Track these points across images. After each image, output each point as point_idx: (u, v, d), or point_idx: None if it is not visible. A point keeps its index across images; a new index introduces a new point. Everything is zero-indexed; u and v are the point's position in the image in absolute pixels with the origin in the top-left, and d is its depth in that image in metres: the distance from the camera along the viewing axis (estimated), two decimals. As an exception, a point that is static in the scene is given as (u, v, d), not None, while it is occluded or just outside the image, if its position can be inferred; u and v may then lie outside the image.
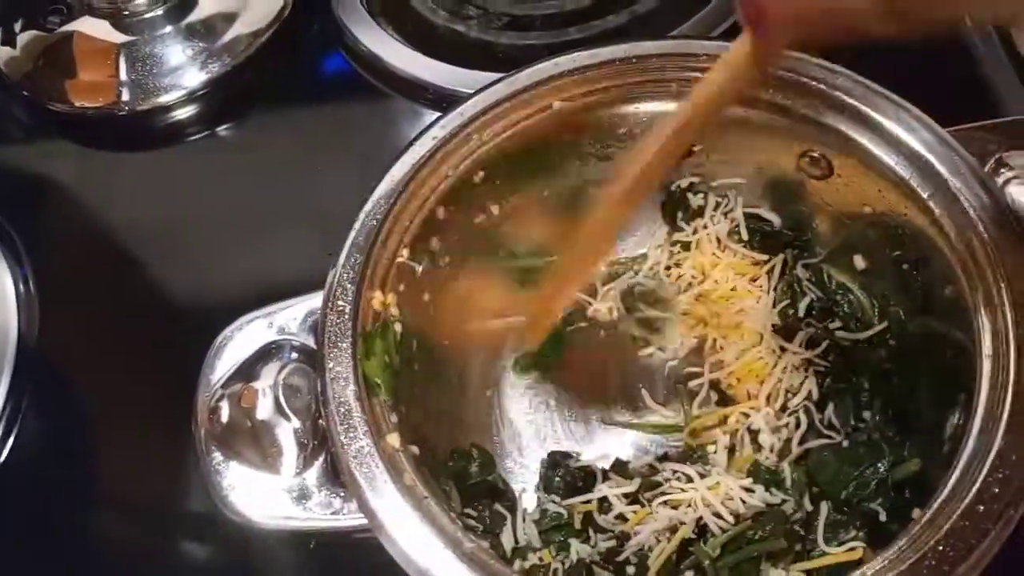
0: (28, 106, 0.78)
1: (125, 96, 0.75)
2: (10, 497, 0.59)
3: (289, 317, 0.51)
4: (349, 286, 0.49)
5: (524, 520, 0.51)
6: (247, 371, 0.49)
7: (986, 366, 0.45)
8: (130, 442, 0.61)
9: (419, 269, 0.53)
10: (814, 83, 0.52)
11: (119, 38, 0.77)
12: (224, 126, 0.76)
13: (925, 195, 0.49)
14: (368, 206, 0.51)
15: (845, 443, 0.52)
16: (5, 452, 0.60)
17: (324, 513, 0.45)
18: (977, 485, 0.41)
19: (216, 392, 0.48)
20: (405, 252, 0.52)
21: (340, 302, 0.48)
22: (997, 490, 0.41)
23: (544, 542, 0.50)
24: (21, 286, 0.67)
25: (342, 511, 0.45)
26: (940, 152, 0.50)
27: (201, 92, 0.75)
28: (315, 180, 0.70)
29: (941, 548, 0.40)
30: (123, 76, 0.76)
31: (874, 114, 0.51)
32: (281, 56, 0.78)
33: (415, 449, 0.47)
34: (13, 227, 0.70)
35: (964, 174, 0.49)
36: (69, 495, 0.59)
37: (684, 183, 0.60)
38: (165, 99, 0.75)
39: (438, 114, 0.54)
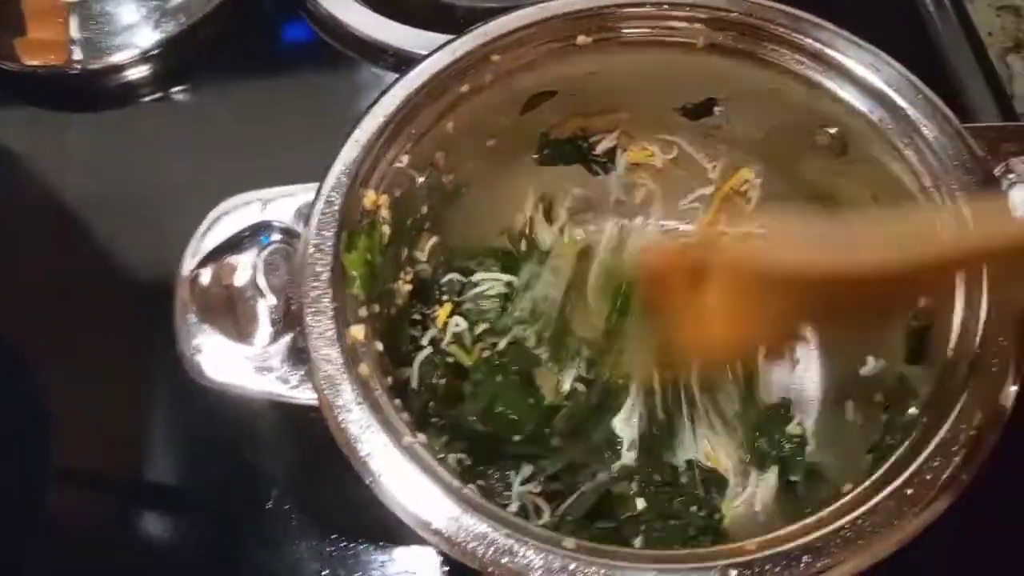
0: (-24, 65, 0.75)
1: (76, 55, 0.73)
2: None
3: (284, 203, 0.52)
4: (344, 179, 0.50)
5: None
6: (234, 245, 0.51)
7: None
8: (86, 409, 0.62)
9: (419, 179, 0.54)
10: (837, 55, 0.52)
11: (71, -6, 0.75)
12: (178, 88, 0.75)
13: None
14: (376, 108, 0.52)
15: None
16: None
17: (280, 386, 0.47)
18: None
19: (200, 260, 0.50)
20: (405, 159, 0.52)
21: (332, 193, 0.49)
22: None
23: None
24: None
25: (297, 388, 0.47)
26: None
27: (155, 52, 0.74)
28: (272, 145, 0.69)
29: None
30: (75, 34, 0.74)
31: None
32: (238, 17, 0.77)
33: (379, 345, 0.48)
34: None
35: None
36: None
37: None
38: (117, 58, 0.73)
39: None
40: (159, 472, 0.60)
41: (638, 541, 0.51)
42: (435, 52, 0.53)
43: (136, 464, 0.60)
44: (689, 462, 0.55)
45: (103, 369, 0.63)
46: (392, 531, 0.53)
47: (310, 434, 0.52)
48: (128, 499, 0.59)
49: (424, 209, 0.56)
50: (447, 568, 0.54)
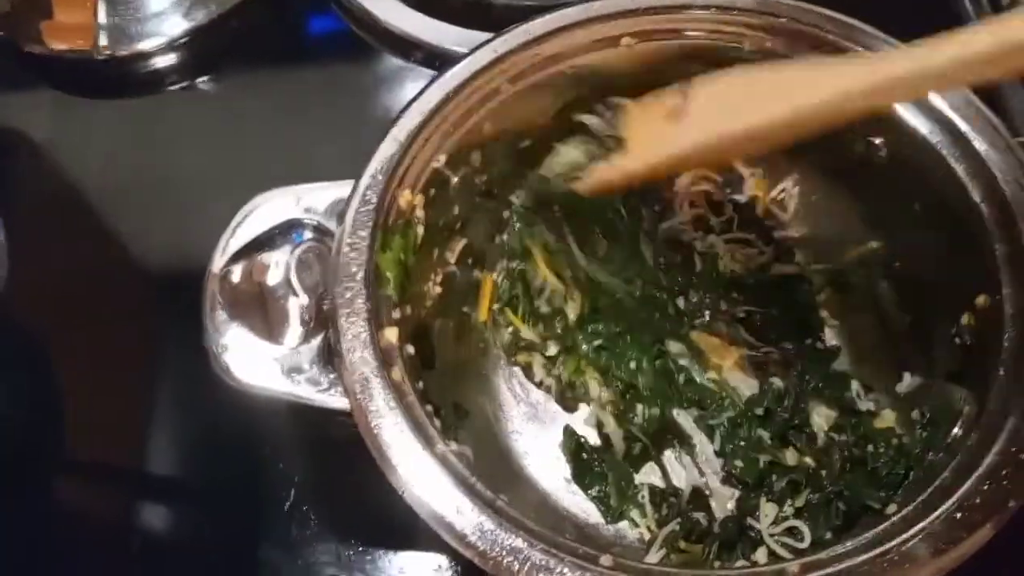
0: (3, 48, 0.74)
1: (104, 41, 0.72)
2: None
3: (318, 198, 0.51)
4: (380, 178, 0.49)
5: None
6: (266, 242, 0.50)
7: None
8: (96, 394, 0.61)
9: (454, 179, 0.53)
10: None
11: (100, -20, 0.74)
12: (206, 76, 0.74)
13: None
14: (415, 105, 0.51)
15: None
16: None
17: (310, 389, 0.46)
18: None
19: (231, 257, 0.49)
20: (442, 158, 0.51)
21: (368, 192, 0.48)
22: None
23: None
24: (-9, 233, 0.65)
25: (328, 391, 0.46)
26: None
27: (183, 40, 0.73)
28: (300, 137, 0.69)
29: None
30: (103, 19, 0.72)
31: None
32: (268, 7, 0.76)
33: (411, 349, 0.47)
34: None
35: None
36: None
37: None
38: (145, 46, 0.72)
39: (432, 73, 0.53)
40: (177, 468, 0.59)
41: None
42: (476, 50, 0.52)
43: (155, 460, 0.59)
44: None
45: (126, 362, 0.62)
46: (411, 536, 0.53)
47: (332, 434, 0.52)
48: (146, 494, 0.59)
49: (456, 209, 0.55)
50: (465, 574, 0.53)
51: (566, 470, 0.55)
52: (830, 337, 0.58)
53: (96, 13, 0.73)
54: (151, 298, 0.64)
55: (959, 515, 0.40)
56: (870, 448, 0.53)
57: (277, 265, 0.49)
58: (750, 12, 0.52)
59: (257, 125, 0.71)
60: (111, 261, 0.66)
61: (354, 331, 0.44)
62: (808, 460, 0.53)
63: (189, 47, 0.74)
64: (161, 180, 0.69)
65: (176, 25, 0.73)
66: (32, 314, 0.64)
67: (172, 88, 0.74)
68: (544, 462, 0.55)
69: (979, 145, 0.49)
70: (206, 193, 0.67)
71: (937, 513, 0.40)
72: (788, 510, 0.51)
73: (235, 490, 0.57)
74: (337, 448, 0.53)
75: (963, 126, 0.50)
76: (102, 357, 0.62)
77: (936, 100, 0.50)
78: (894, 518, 0.41)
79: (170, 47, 0.73)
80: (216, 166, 0.69)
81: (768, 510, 0.51)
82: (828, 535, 0.49)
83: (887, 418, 0.53)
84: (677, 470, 0.54)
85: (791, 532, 0.51)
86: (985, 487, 0.41)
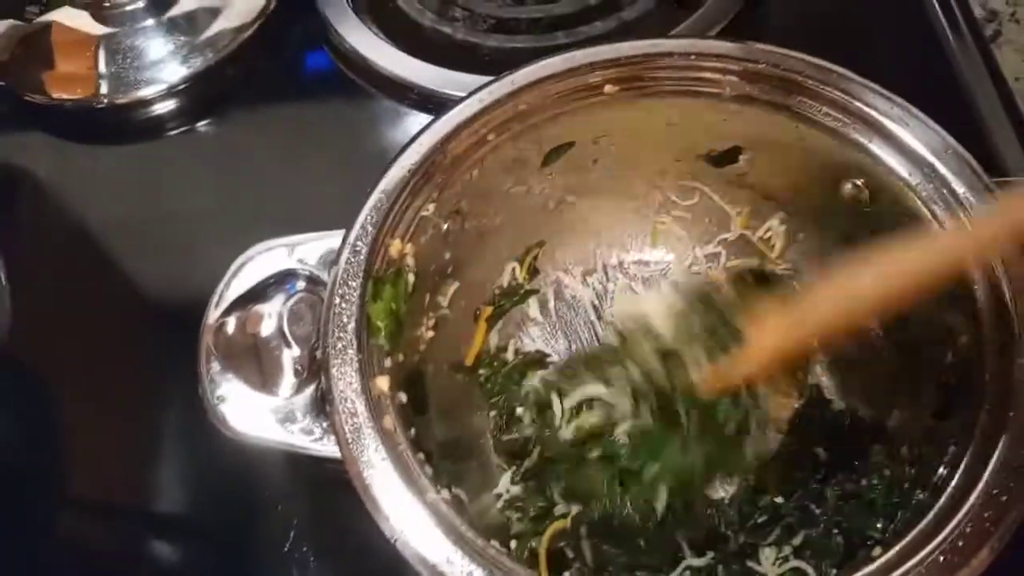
0: (4, 97, 0.77)
1: (104, 89, 0.74)
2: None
3: (310, 249, 0.52)
4: (370, 228, 0.50)
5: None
6: (260, 293, 0.51)
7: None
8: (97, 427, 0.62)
9: (444, 226, 0.54)
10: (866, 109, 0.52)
11: (99, 29, 0.76)
12: (204, 122, 0.75)
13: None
14: (404, 156, 0.52)
15: None
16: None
17: (304, 438, 0.47)
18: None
19: (226, 308, 0.50)
20: (431, 207, 0.52)
21: (359, 242, 0.49)
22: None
23: None
24: (-6, 279, 0.66)
25: (321, 440, 0.47)
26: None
27: (181, 87, 0.75)
28: (296, 179, 0.70)
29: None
30: (102, 68, 0.75)
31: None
32: (264, 53, 0.78)
33: (403, 397, 0.48)
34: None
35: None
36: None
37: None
38: (144, 93, 0.74)
39: (426, 116, 0.54)
40: (176, 510, 0.60)
41: None
42: (462, 101, 0.53)
43: (152, 502, 0.59)
44: None
45: (124, 403, 0.63)
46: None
47: (330, 477, 0.52)
48: (145, 536, 0.59)
49: (447, 255, 0.56)
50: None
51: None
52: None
53: (97, 63, 0.75)
54: (151, 341, 0.65)
55: (942, 559, 0.40)
56: (863, 481, 0.53)
57: (270, 316, 0.50)
58: (730, 59, 0.53)
59: (255, 169, 0.72)
60: (110, 306, 0.67)
61: (345, 381, 0.45)
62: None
63: (187, 93, 0.76)
64: (160, 224, 0.70)
65: (174, 72, 0.75)
66: (31, 355, 0.65)
67: (171, 134, 0.76)
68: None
69: (957, 187, 0.50)
70: (205, 237, 0.68)
71: (920, 556, 0.40)
72: (787, 550, 0.52)
73: (234, 532, 0.58)
74: (336, 490, 0.52)
75: (942, 168, 0.50)
76: (101, 401, 0.63)
77: (915, 143, 0.51)
78: (879, 561, 0.41)
79: (169, 94, 0.75)
80: (215, 210, 0.70)
81: (768, 553, 0.52)
82: (832, 571, 0.50)
83: (877, 451, 0.54)
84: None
85: (796, 571, 0.51)
86: (968, 530, 0.41)
